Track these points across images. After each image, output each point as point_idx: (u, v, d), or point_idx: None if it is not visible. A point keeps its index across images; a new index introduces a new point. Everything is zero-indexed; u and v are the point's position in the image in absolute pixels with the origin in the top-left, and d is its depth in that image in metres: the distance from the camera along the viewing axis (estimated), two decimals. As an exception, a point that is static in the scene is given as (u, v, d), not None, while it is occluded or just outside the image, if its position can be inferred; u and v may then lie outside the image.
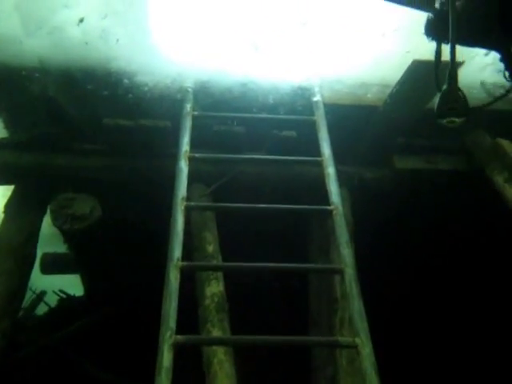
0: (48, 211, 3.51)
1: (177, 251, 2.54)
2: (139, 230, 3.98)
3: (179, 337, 2.23)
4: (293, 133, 3.61)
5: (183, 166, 2.99)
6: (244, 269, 2.72)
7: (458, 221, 3.91)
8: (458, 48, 2.09)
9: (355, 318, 2.39)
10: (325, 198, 2.97)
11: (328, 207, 2.87)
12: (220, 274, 3.13)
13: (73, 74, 3.12)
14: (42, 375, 4.55)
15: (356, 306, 2.42)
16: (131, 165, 3.58)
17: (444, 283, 4.45)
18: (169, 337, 2.21)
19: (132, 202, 3.78)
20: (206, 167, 3.54)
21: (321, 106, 3.42)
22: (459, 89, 2.09)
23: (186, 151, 3.06)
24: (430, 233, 4.08)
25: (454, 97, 2.08)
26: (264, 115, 3.49)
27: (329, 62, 3.44)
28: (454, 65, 2.06)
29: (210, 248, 3.31)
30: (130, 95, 3.30)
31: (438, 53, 2.22)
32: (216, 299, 2.99)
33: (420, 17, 2.23)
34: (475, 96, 3.07)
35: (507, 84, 2.15)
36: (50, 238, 4.33)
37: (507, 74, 2.11)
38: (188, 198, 2.87)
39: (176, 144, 3.15)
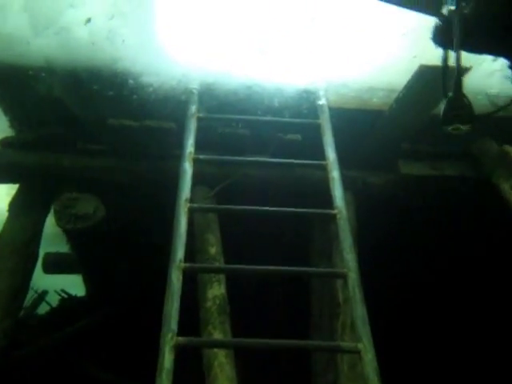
0: (52, 211, 3.52)
1: (179, 252, 2.53)
2: (142, 231, 3.98)
3: (181, 338, 2.22)
4: (297, 136, 3.60)
5: (187, 168, 2.98)
6: (246, 271, 2.71)
7: (463, 227, 3.89)
8: (466, 54, 2.09)
9: (358, 323, 2.37)
10: (328, 202, 2.95)
11: (332, 211, 2.86)
12: (222, 277, 3.12)
13: (79, 74, 3.12)
14: (42, 375, 4.55)
15: (359, 311, 2.40)
16: (135, 165, 3.59)
17: (448, 289, 4.42)
18: (170, 338, 2.20)
19: (135, 202, 3.79)
20: (209, 169, 3.53)
21: (326, 109, 3.41)
22: (465, 95, 2.08)
23: (191, 153, 3.05)
24: (434, 239, 4.06)
25: (460, 104, 2.08)
26: (269, 118, 3.48)
27: (335, 65, 3.44)
28: (460, 72, 2.06)
29: (213, 250, 3.31)
30: (135, 96, 3.30)
31: (445, 60, 2.21)
32: (218, 301, 2.98)
33: (427, 21, 2.23)
34: (482, 102, 3.07)
35: None
36: (52, 238, 4.34)
37: None
38: (191, 200, 2.87)
39: (180, 145, 3.15)
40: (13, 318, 3.34)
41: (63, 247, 4.94)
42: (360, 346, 2.29)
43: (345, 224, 2.78)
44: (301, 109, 3.51)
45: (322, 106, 3.42)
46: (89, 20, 2.79)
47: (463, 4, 2.00)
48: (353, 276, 2.55)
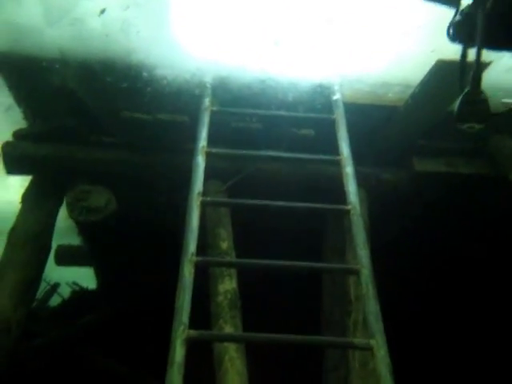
0: (64, 203, 3.53)
1: (191, 246, 2.52)
2: (154, 224, 3.98)
3: (192, 332, 2.22)
4: (311, 131, 3.57)
5: (200, 161, 2.97)
6: (258, 266, 2.69)
7: (478, 225, 3.84)
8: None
9: (371, 320, 2.34)
10: (341, 198, 2.93)
11: (345, 207, 2.83)
12: (233, 271, 3.11)
13: (92, 66, 3.12)
14: (54, 366, 4.59)
15: (372, 308, 2.38)
16: (148, 159, 3.58)
17: (460, 286, 4.37)
18: (182, 331, 2.19)
19: (148, 196, 3.78)
20: (222, 163, 3.52)
21: (340, 104, 3.37)
22: (482, 91, 2.04)
23: (204, 146, 3.04)
24: (447, 237, 4.01)
25: (476, 99, 2.04)
26: (282, 113, 3.46)
27: (350, 60, 3.40)
28: (480, 67, 2.01)
29: (224, 245, 3.30)
30: (149, 89, 3.29)
31: (464, 54, 2.17)
32: (229, 296, 2.98)
33: (446, 13, 2.18)
34: (501, 98, 3.02)
35: None
36: (65, 231, 4.37)
37: None
38: (204, 194, 2.85)
39: (193, 139, 3.13)
40: (26, 309, 3.35)
41: (75, 240, 4.98)
42: (373, 342, 2.27)
43: (358, 220, 2.75)
44: (315, 104, 3.48)
45: (336, 100, 3.39)
46: (103, 11, 2.78)
47: None
48: (366, 272, 2.52)
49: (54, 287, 6.29)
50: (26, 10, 2.80)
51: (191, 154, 3.06)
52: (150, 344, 4.01)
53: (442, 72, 2.93)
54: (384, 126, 3.56)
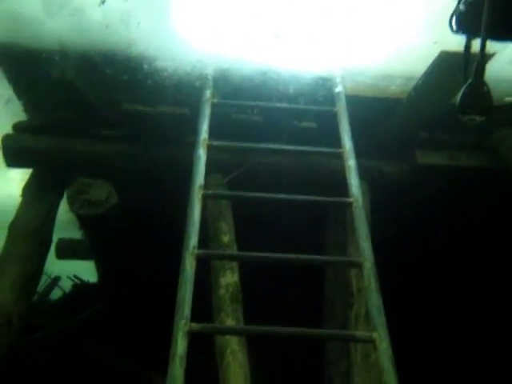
0: (65, 196, 3.52)
1: (193, 239, 2.51)
2: (155, 217, 3.96)
3: (194, 325, 2.21)
4: (313, 124, 3.54)
5: (201, 154, 2.95)
6: (260, 259, 2.68)
7: (479, 218, 3.83)
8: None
9: (373, 313, 2.33)
10: (343, 191, 2.91)
11: (347, 199, 2.81)
12: (235, 265, 3.10)
13: (92, 57, 3.09)
14: (55, 359, 4.59)
15: (374, 301, 2.37)
16: (149, 151, 3.56)
17: (461, 279, 4.36)
18: (183, 324, 2.18)
19: (149, 189, 3.77)
20: (223, 156, 3.49)
21: (342, 97, 3.34)
22: (485, 83, 2.01)
23: (205, 139, 3.02)
24: (449, 229, 4.00)
25: (479, 91, 2.01)
26: (284, 105, 3.43)
27: (352, 52, 3.37)
28: (483, 59, 1.99)
29: (226, 238, 3.29)
30: (150, 81, 3.27)
31: (468, 45, 2.14)
32: (231, 289, 2.97)
33: (449, 4, 2.16)
34: (504, 90, 2.99)
35: None
36: (66, 225, 4.35)
37: None
38: (205, 187, 2.84)
39: (194, 132, 3.11)
40: (27, 301, 3.36)
41: (76, 233, 4.97)
42: (375, 335, 2.26)
43: (361, 212, 2.74)
44: (316, 96, 3.45)
45: (338, 93, 3.36)
46: (103, 1, 2.75)
47: None
48: (368, 265, 2.51)
49: (55, 281, 6.30)
50: (25, 0, 2.77)
51: (192, 146, 3.04)
52: (151, 337, 4.01)
53: (446, 63, 2.90)
54: (386, 118, 3.54)
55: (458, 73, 2.16)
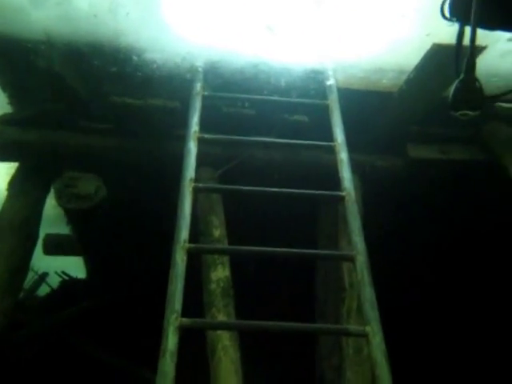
0: (52, 190, 3.46)
1: (184, 233, 2.47)
2: (145, 212, 3.91)
3: (185, 320, 2.17)
4: (304, 117, 3.52)
5: (192, 147, 2.91)
6: (251, 253, 2.65)
7: (471, 211, 3.84)
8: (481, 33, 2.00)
9: (366, 307, 2.32)
10: (335, 185, 2.89)
11: (340, 193, 2.79)
12: (226, 259, 3.07)
13: (80, 48, 3.02)
14: (42, 356, 4.54)
15: (367, 294, 2.35)
16: (138, 145, 3.51)
17: (454, 273, 4.38)
18: (174, 319, 2.15)
19: (138, 183, 3.72)
20: (214, 150, 3.46)
21: (334, 89, 3.32)
22: (476, 79, 1.99)
23: (195, 131, 2.97)
24: (442, 223, 4.01)
25: (470, 87, 1.99)
26: (275, 98, 3.40)
27: (343, 44, 3.34)
28: (473, 52, 1.96)
29: (217, 232, 3.26)
30: (139, 73, 3.21)
31: (460, 36, 2.11)
32: (222, 284, 2.95)
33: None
34: (495, 84, 2.98)
35: None
36: (53, 220, 4.28)
37: None
38: (196, 181, 2.80)
39: (184, 125, 3.07)
40: (12, 298, 3.30)
41: (64, 229, 4.90)
42: (368, 329, 2.25)
43: (353, 206, 2.72)
44: (308, 89, 3.42)
45: (330, 86, 3.33)
46: (91, -11, 2.68)
47: None
48: (361, 259, 2.49)
49: (42, 277, 6.21)
50: (10, -12, 2.70)
51: (183, 140, 3.00)
52: (141, 333, 3.96)
53: (438, 56, 2.88)
54: (378, 112, 3.52)
55: (450, 66, 2.13)
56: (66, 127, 3.50)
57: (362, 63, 3.37)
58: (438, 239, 4.12)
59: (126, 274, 4.51)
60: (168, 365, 2.06)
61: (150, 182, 3.70)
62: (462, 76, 1.99)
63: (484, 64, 2.24)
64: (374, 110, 3.52)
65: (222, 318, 2.80)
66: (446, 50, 2.69)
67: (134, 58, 3.13)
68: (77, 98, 3.35)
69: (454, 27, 2.14)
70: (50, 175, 3.50)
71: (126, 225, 3.92)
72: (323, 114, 3.25)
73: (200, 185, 2.94)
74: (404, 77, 3.25)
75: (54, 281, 6.01)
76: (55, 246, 5.35)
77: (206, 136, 3.05)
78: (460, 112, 2.03)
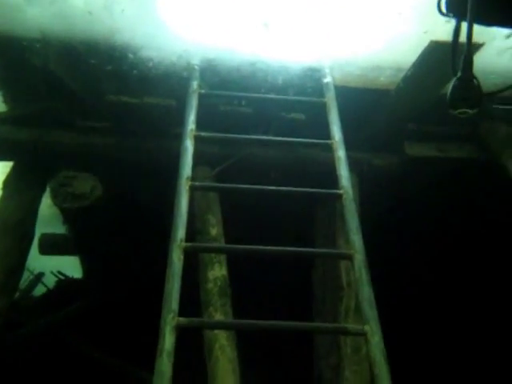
0: (47, 189, 3.43)
1: (180, 231, 2.46)
2: (141, 210, 3.89)
3: (182, 319, 2.16)
4: (301, 115, 3.50)
5: (188, 145, 2.89)
6: (248, 252, 2.63)
7: (469, 209, 3.83)
8: (478, 30, 1.98)
9: (364, 305, 2.31)
10: (332, 183, 2.88)
11: (338, 191, 2.78)
12: (223, 258, 3.06)
13: (75, 46, 3.00)
14: (38, 355, 4.51)
15: (366, 293, 2.34)
16: (134, 143, 3.49)
17: (452, 271, 4.38)
18: (171, 319, 2.13)
19: (134, 181, 3.70)
20: (211, 148, 3.44)
21: (331, 87, 3.30)
22: (474, 77, 1.98)
23: (192, 130, 2.96)
24: (439, 221, 4.01)
25: (468, 86, 1.97)
26: (272, 96, 3.38)
27: (340, 42, 3.32)
28: (470, 49, 1.95)
29: (214, 231, 3.25)
30: (135, 71, 3.18)
31: (456, 33, 2.10)
32: (219, 283, 2.93)
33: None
34: (493, 82, 2.97)
35: None
36: (49, 220, 4.26)
37: None
38: (193, 180, 2.78)
39: (181, 123, 3.05)
40: (8, 298, 3.28)
41: (60, 228, 4.87)
42: (366, 328, 2.23)
43: (351, 204, 2.71)
44: (305, 87, 3.41)
45: (327, 83, 3.32)
46: (86, -14, 2.66)
47: None
48: (359, 257, 2.48)
49: (38, 277, 6.18)
50: (5, -15, 2.67)
51: (179, 138, 2.98)
52: (137, 332, 3.94)
53: (436, 53, 2.87)
54: (375, 110, 3.51)
55: (448, 63, 2.12)
56: (61, 126, 3.47)
57: (359, 61, 3.36)
58: (436, 237, 4.11)
59: (123, 273, 4.49)
60: (165, 364, 2.05)
61: (146, 181, 3.68)
62: (459, 74, 1.98)
63: (481, 61, 2.23)
64: (371, 108, 3.51)
65: (219, 317, 2.78)
66: (444, 48, 2.67)
67: (130, 55, 3.11)
68: (72, 97, 3.33)
69: (452, 24, 2.13)
70: (45, 174, 3.47)
71: (122, 224, 3.90)
72: (320, 111, 3.24)
73: (197, 183, 2.93)
74: (401, 74, 3.24)
75: (50, 281, 5.98)
76: (51, 246, 5.32)
77: (203, 134, 3.04)
78: (458, 110, 2.01)
